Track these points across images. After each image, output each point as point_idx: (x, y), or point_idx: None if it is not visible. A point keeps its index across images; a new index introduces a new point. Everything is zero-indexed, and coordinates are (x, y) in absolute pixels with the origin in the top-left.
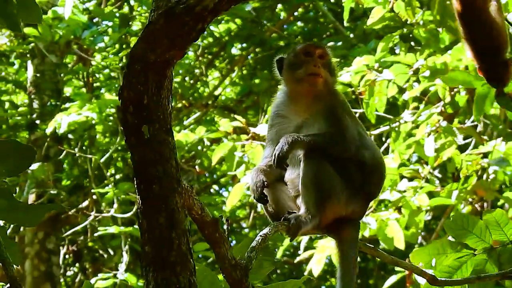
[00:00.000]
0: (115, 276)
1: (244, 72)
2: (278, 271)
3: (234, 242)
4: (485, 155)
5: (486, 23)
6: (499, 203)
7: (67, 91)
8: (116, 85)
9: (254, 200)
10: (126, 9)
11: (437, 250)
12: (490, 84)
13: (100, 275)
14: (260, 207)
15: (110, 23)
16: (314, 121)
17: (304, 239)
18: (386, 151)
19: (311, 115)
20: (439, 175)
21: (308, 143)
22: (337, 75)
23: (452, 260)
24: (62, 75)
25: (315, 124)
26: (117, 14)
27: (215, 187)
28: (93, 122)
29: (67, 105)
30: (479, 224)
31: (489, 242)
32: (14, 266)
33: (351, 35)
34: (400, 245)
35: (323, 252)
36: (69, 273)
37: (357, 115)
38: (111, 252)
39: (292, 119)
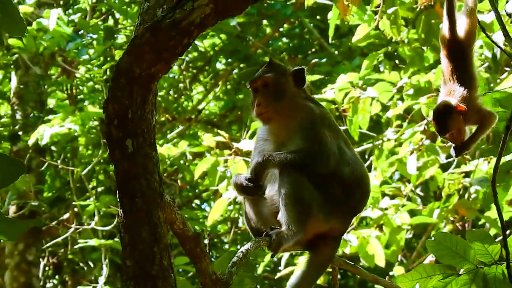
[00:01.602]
0: None
1: (228, 87)
2: (259, 286)
3: (214, 257)
4: (467, 174)
5: None
6: (480, 223)
7: (51, 102)
8: (100, 98)
9: (240, 197)
10: (111, 22)
11: (420, 275)
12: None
13: (80, 287)
14: (241, 222)
15: (95, 36)
16: (292, 139)
17: (285, 255)
18: (369, 169)
19: (289, 134)
20: (421, 194)
21: (282, 161)
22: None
23: (436, 281)
24: (45, 86)
25: (293, 141)
26: (102, 27)
27: (197, 201)
28: (76, 134)
29: (50, 116)
30: (463, 243)
31: (473, 262)
32: None
33: (336, 52)
34: (381, 262)
35: None
36: (48, 285)
37: None
38: (91, 265)
39: (273, 141)
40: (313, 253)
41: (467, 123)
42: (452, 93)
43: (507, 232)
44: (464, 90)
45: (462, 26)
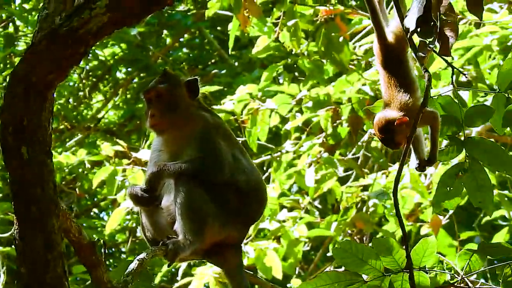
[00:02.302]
0: None
1: (128, 96)
2: None
3: (112, 266)
4: (365, 188)
5: None
6: (377, 236)
7: None
8: None
9: (136, 206)
10: (11, 29)
11: (324, 282)
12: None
13: None
14: (139, 232)
15: None
16: (186, 149)
17: (182, 265)
18: (267, 181)
19: (183, 144)
20: (319, 206)
21: (177, 170)
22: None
23: (343, 287)
24: None
25: (188, 151)
26: (2, 34)
27: (95, 210)
28: None
29: None
30: (368, 251)
31: (380, 269)
32: None
33: (236, 63)
34: (278, 275)
35: (201, 279)
36: None
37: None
38: None
39: (167, 151)
40: (218, 262)
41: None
42: (392, 101)
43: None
44: (404, 95)
45: (392, 33)
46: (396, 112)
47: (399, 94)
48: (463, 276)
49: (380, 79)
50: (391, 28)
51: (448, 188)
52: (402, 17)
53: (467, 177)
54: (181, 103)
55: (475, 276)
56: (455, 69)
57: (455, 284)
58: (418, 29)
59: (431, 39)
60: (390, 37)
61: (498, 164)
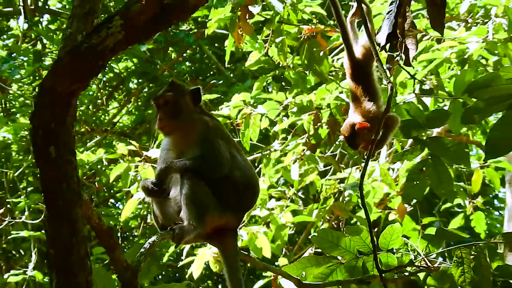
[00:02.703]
0: (24, 272)
1: (139, 103)
2: (163, 272)
3: (126, 248)
4: (342, 181)
5: None
6: (352, 221)
7: None
8: (30, 111)
9: (147, 197)
10: (39, 46)
11: (305, 264)
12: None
13: (12, 272)
14: (150, 218)
15: (26, 58)
16: (190, 148)
17: (186, 247)
18: (258, 175)
19: (187, 144)
20: (302, 196)
21: (182, 166)
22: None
23: (324, 268)
24: None
25: (192, 150)
26: (32, 51)
27: (112, 200)
28: (9, 142)
29: None
30: (342, 236)
31: (353, 252)
32: None
33: (231, 75)
34: (267, 254)
35: (202, 259)
36: None
37: None
38: (22, 253)
39: (174, 150)
40: (219, 244)
41: (375, 130)
42: (359, 108)
43: (375, 229)
44: (368, 103)
45: (359, 49)
46: (360, 118)
47: (364, 102)
48: (423, 257)
49: (350, 89)
50: (360, 44)
51: (415, 182)
52: (369, 35)
53: (430, 172)
54: (185, 108)
55: (434, 256)
56: (416, 80)
57: (417, 263)
58: (388, 44)
59: (397, 53)
60: (358, 53)
61: (456, 159)
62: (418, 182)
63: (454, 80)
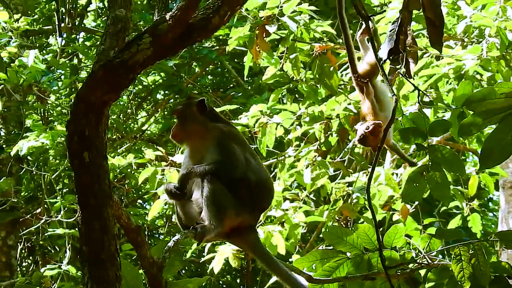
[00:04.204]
0: (59, 267)
1: (166, 113)
2: (186, 268)
3: (152, 245)
4: (350, 184)
5: None
6: (359, 221)
7: (28, 123)
8: (66, 120)
9: (169, 200)
10: (75, 61)
11: (315, 258)
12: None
13: (48, 266)
14: (174, 218)
15: (63, 71)
16: (208, 154)
17: (207, 245)
18: (274, 178)
19: (205, 150)
20: (314, 198)
21: (202, 171)
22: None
23: (332, 262)
24: (24, 110)
25: (209, 156)
26: (69, 65)
27: (140, 201)
28: (47, 147)
29: (27, 133)
30: (351, 233)
31: (360, 248)
32: None
33: (249, 88)
34: (282, 251)
35: (222, 255)
36: (24, 264)
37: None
38: (57, 249)
39: (193, 157)
40: (242, 244)
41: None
42: (367, 116)
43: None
44: (375, 112)
45: (365, 65)
46: (368, 123)
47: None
48: (424, 255)
49: (361, 98)
50: (366, 60)
51: (415, 184)
52: (375, 51)
53: (429, 176)
54: (193, 119)
55: (434, 253)
56: (420, 91)
57: (419, 260)
58: (390, 58)
59: (398, 66)
60: (361, 69)
61: (452, 166)
62: (417, 184)
63: (452, 94)
